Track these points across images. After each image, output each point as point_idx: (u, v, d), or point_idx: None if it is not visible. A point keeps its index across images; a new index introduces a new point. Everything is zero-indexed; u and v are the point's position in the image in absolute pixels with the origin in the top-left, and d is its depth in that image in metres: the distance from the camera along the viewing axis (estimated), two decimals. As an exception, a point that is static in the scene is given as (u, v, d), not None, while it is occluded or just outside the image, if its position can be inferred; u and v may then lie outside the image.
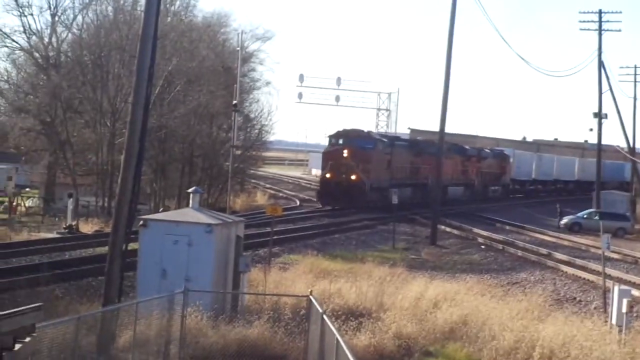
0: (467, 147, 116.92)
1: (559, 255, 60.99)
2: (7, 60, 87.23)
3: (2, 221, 65.98)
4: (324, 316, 26.16)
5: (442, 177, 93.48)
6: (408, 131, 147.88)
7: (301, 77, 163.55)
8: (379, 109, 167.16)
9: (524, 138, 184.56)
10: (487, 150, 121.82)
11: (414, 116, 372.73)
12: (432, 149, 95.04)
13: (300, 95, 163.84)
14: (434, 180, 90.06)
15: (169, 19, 79.47)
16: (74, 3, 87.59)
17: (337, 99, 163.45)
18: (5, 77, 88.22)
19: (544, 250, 63.95)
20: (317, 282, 38.94)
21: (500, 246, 67.09)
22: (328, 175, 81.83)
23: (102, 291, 32.04)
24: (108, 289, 31.67)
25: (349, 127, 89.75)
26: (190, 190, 37.91)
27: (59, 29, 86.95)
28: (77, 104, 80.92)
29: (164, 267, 33.22)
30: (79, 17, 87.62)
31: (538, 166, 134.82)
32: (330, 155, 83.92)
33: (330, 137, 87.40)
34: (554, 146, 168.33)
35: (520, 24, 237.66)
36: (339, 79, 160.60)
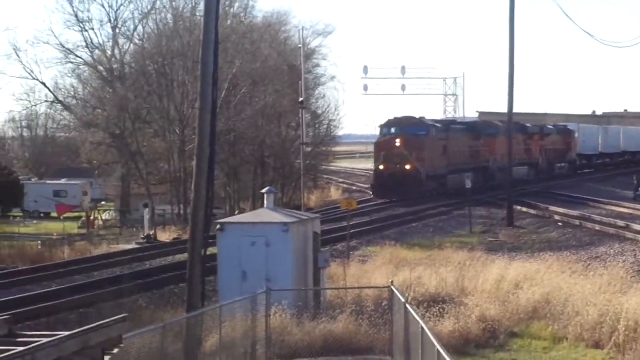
0: (528, 124, 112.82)
1: (637, 227, 60.49)
2: (72, 75, 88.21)
3: (81, 236, 66.59)
4: (407, 305, 26.22)
5: (505, 158, 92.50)
6: (476, 114, 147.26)
7: (365, 69, 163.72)
8: (445, 95, 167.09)
9: (593, 112, 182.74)
10: (549, 126, 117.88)
11: (483, 99, 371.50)
12: (490, 130, 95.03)
13: (365, 87, 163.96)
14: (494, 163, 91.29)
15: (228, 21, 79.71)
16: (133, 14, 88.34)
17: (403, 87, 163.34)
18: (72, 93, 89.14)
19: (621, 223, 63.47)
20: (397, 272, 39.00)
21: (577, 222, 66.64)
22: (381, 167, 78.37)
23: (185, 297, 32.33)
24: (190, 295, 31.94)
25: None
26: (263, 190, 38.11)
27: (121, 40, 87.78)
28: (145, 114, 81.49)
29: (244, 269, 33.42)
30: (139, 27, 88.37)
31: (604, 139, 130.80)
32: (382, 146, 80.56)
33: (381, 126, 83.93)
34: (624, 117, 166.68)
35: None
36: (403, 68, 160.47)
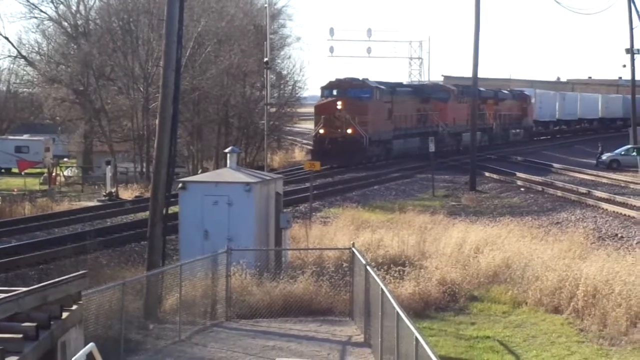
0: (482, 88, 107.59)
1: (599, 194, 60.85)
2: (36, 31, 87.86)
3: (42, 192, 66.42)
4: (368, 267, 26.33)
5: (456, 123, 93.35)
6: (442, 78, 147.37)
7: (331, 31, 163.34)
8: (411, 58, 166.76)
9: (558, 78, 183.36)
10: (504, 91, 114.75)
11: (449, 64, 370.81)
12: (441, 94, 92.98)
13: (331, 49, 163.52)
14: (445, 128, 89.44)
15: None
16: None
17: (369, 50, 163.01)
18: (36, 48, 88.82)
19: (583, 189, 63.87)
20: (358, 234, 39.11)
21: (539, 187, 67.03)
22: (322, 131, 74.16)
23: (146, 256, 32.36)
24: (151, 253, 31.96)
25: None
26: (227, 150, 38.06)
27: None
28: (109, 71, 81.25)
29: (206, 228, 33.44)
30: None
31: (562, 106, 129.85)
32: (323, 109, 75.93)
33: (323, 88, 79.38)
34: (588, 84, 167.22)
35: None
36: (369, 30, 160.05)
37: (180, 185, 34.65)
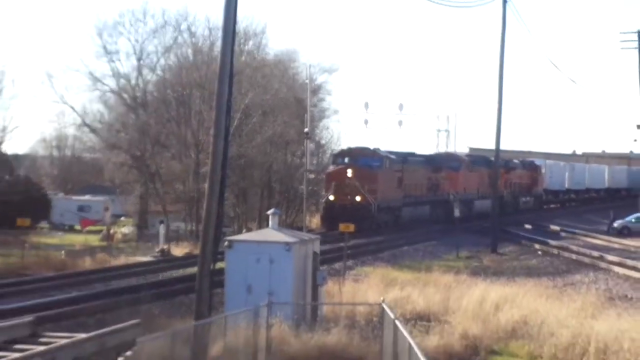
0: (492, 159, 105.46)
1: (610, 257, 60.58)
2: (99, 101, 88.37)
3: (101, 248, 66.63)
4: (396, 321, 26.24)
5: (467, 192, 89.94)
6: (467, 150, 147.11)
7: (366, 105, 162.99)
8: (438, 130, 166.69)
9: (574, 151, 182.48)
10: (515, 161, 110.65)
11: (474, 136, 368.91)
12: (453, 163, 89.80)
13: (366, 122, 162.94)
14: (456, 196, 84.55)
15: (243, 57, 79.79)
16: (157, 48, 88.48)
17: (400, 123, 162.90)
18: (99, 117, 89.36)
19: (596, 253, 63.58)
20: (388, 291, 38.99)
21: (555, 251, 66.80)
22: (332, 198, 69.95)
23: (194, 307, 32.38)
24: (199, 304, 31.96)
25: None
26: (269, 212, 38.14)
27: (144, 71, 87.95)
28: (164, 139, 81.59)
29: (249, 283, 33.49)
30: (162, 60, 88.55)
31: (571, 176, 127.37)
32: (333, 176, 71.73)
33: (334, 156, 77.64)
34: (602, 157, 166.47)
35: (565, 45, 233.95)
36: (400, 105, 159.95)
37: (226, 243, 34.74)
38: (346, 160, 71.38)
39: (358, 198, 64.97)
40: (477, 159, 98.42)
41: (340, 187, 69.03)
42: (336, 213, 68.60)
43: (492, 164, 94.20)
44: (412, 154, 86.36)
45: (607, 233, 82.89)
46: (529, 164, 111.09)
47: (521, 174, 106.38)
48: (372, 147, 76.44)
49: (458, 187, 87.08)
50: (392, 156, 75.34)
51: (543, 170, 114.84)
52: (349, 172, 68.40)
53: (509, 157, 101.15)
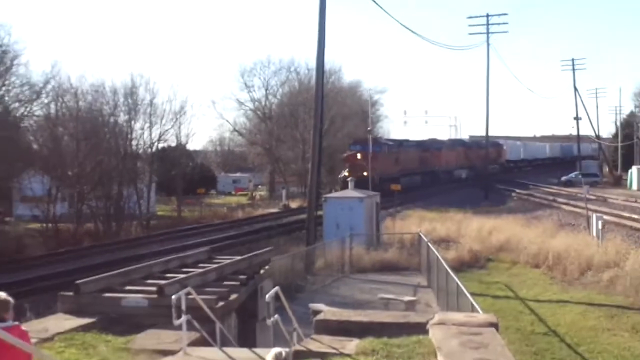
0: (467, 140, 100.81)
1: (560, 200, 59.67)
2: (243, 116, 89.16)
3: (247, 205, 67.32)
4: (429, 243, 26.23)
5: (447, 165, 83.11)
6: (467, 137, 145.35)
7: (405, 112, 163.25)
8: (450, 125, 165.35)
9: (534, 135, 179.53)
10: (484, 142, 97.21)
11: (475, 126, 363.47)
12: (436, 145, 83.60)
13: (405, 123, 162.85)
14: (439, 168, 79.68)
15: (329, 86, 79.27)
16: (276, 82, 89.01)
17: (426, 122, 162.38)
18: (243, 126, 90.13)
19: (551, 197, 62.68)
20: (422, 225, 38.87)
21: (525, 197, 66.01)
22: (346, 174, 63.46)
23: (305, 238, 32.66)
24: (308, 236, 32.24)
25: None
26: (349, 179, 38.28)
27: (270, 97, 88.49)
28: (283, 137, 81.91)
29: (337, 222, 33.62)
30: (280, 89, 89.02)
31: (524, 150, 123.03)
32: (348, 158, 66.33)
33: (350, 145, 69.64)
34: (551, 138, 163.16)
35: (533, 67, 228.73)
36: (426, 111, 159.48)
37: (323, 199, 34.92)
38: (357, 147, 65.88)
39: (365, 173, 58.79)
40: (455, 142, 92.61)
41: (352, 166, 64.18)
42: (349, 184, 64.57)
43: (466, 144, 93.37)
44: (407, 141, 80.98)
45: (557, 185, 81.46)
46: (493, 143, 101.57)
47: (489, 151, 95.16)
48: (377, 137, 72.07)
49: (441, 162, 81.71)
50: (390, 142, 70.70)
51: (505, 147, 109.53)
52: (358, 155, 63.56)
53: (494, 141, 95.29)
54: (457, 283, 16.63)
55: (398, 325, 11.04)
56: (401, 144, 74.75)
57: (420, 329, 10.73)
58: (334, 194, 37.51)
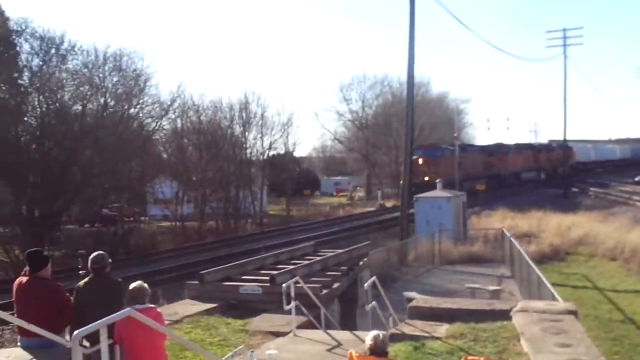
0: (535, 144, 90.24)
1: (635, 197, 57.18)
2: (342, 126, 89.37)
3: (347, 204, 67.45)
4: (511, 238, 25.67)
5: (514, 168, 75.68)
6: (547, 141, 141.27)
7: (488, 119, 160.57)
8: (529, 131, 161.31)
9: (610, 138, 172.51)
10: (554, 145, 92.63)
11: (555, 130, 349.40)
12: (502, 149, 75.26)
13: (488, 129, 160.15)
14: (506, 171, 72.29)
15: (418, 97, 78.33)
16: (372, 95, 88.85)
17: (508, 128, 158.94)
18: (342, 135, 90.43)
19: (626, 195, 60.12)
20: (505, 222, 38.03)
21: (602, 195, 63.52)
22: None
23: (399, 233, 32.52)
24: (402, 232, 32.10)
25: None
26: (437, 181, 37.86)
27: (366, 109, 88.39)
28: (378, 144, 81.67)
29: (428, 219, 33.29)
30: (375, 102, 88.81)
31: (595, 152, 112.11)
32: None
33: (412, 149, 63.53)
34: (626, 140, 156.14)
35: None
36: (508, 119, 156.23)
37: (415, 198, 34.63)
38: (419, 152, 59.73)
39: (426, 178, 54.60)
40: (523, 145, 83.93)
41: (414, 171, 58.98)
42: (410, 190, 57.96)
43: (534, 148, 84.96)
44: (471, 145, 73.69)
45: (632, 184, 77.92)
46: (563, 146, 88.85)
47: (558, 153, 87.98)
48: (436, 143, 66.56)
49: (507, 166, 73.89)
50: (452, 147, 61.84)
51: (574, 150, 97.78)
52: (420, 161, 57.67)
53: (563, 143, 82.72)
54: (538, 274, 16.21)
55: (484, 312, 10.88)
56: (464, 148, 67.77)
57: (504, 315, 10.53)
58: (424, 194, 37.10)
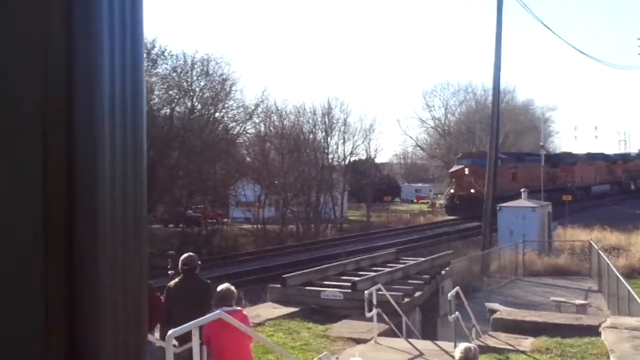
0: (610, 154, 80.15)
1: None
2: (424, 133, 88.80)
3: (428, 212, 66.80)
4: (599, 250, 24.89)
5: (583, 180, 68.05)
6: (637, 151, 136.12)
7: (575, 128, 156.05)
8: (618, 141, 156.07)
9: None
10: (632, 154, 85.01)
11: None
12: (569, 159, 68.03)
13: (575, 138, 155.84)
14: (573, 184, 64.58)
15: (503, 104, 77.19)
16: (455, 102, 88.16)
17: (596, 137, 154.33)
18: (424, 142, 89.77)
19: None
20: (591, 233, 36.84)
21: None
22: (452, 191, 54.68)
23: (482, 243, 32.00)
24: (484, 241, 31.58)
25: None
26: (522, 190, 37.08)
27: (449, 115, 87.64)
28: (460, 151, 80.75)
29: (511, 229, 32.62)
30: (458, 109, 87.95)
31: None
32: (454, 174, 55.25)
33: (458, 158, 58.92)
34: None
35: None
36: (595, 127, 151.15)
37: (498, 208, 34.01)
38: (465, 161, 55.38)
39: (472, 190, 50.45)
40: (595, 155, 74.96)
41: (459, 182, 54.02)
42: (455, 203, 54.31)
43: (609, 158, 76.16)
44: (529, 154, 64.72)
45: None
46: None
47: (637, 163, 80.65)
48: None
49: (575, 178, 66.20)
50: (504, 156, 55.92)
51: None
52: (466, 170, 52.91)
53: None
54: (628, 289, 15.66)
55: (570, 327, 10.60)
56: (520, 157, 61.55)
57: (592, 331, 10.24)
58: (508, 203, 36.33)
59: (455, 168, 56.26)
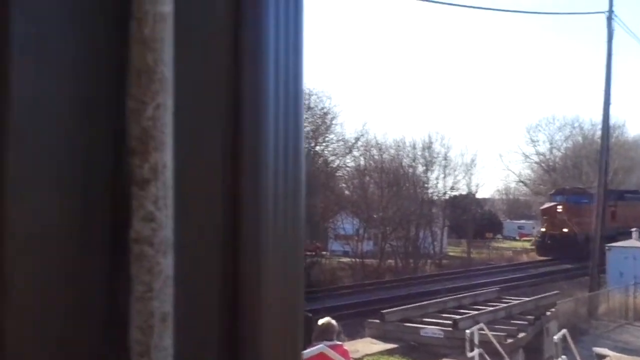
0: None
1: None
2: (528, 168, 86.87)
3: (532, 249, 64.86)
4: None
5: None
6: None
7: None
8: None
9: None
10: None
11: None
12: None
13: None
14: None
15: (613, 139, 74.62)
16: (560, 137, 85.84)
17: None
18: (528, 177, 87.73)
19: None
20: None
21: None
22: (543, 229, 51.04)
23: (589, 284, 30.87)
24: (592, 283, 30.46)
25: None
26: (633, 230, 35.47)
27: (554, 150, 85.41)
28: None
29: (621, 271, 31.21)
30: (564, 144, 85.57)
31: None
32: (546, 211, 51.50)
33: (550, 195, 55.44)
34: None
35: None
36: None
37: (607, 247, 32.69)
38: (558, 198, 51.57)
39: (565, 230, 47.40)
40: None
41: (551, 220, 50.17)
42: (547, 242, 50.80)
43: None
44: (631, 191, 59.35)
45: None
46: None
47: None
48: (586, 188, 54.10)
49: None
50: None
51: None
52: (559, 208, 49.46)
53: None
54: None
55: (689, 377, 9.98)
56: (621, 195, 55.46)
57: None
58: (618, 243, 34.73)
59: (547, 205, 53.03)
